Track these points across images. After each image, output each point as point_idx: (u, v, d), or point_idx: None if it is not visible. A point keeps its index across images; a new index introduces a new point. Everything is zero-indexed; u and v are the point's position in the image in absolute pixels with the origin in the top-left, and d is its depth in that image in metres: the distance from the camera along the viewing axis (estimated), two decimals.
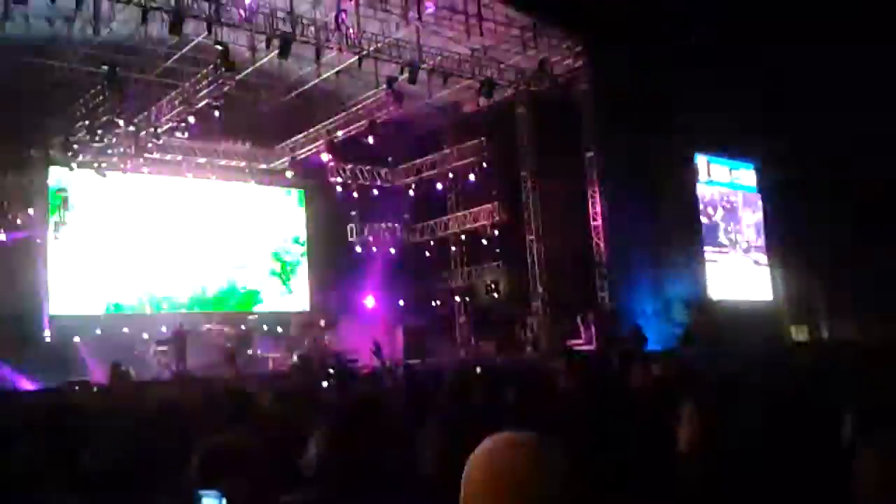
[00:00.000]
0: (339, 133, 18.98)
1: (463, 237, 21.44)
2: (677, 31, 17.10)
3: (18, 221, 16.24)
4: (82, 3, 12.47)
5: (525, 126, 19.54)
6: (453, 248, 21.96)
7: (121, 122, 15.99)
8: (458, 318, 21.99)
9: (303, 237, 21.57)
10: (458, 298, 21.95)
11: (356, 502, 2.18)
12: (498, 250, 20.52)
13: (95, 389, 11.51)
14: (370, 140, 18.50)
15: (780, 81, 18.82)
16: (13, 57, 14.98)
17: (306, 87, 18.08)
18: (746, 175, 22.34)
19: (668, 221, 19.39)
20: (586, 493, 1.46)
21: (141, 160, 17.21)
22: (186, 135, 17.00)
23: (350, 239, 21.50)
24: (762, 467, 2.96)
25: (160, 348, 16.35)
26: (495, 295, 20.99)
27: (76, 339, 16.24)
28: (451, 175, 21.13)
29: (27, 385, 13.46)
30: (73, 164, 16.52)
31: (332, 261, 21.09)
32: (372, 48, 15.65)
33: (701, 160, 20.93)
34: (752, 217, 22.36)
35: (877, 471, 1.69)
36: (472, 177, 20.34)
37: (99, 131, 15.71)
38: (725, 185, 21.75)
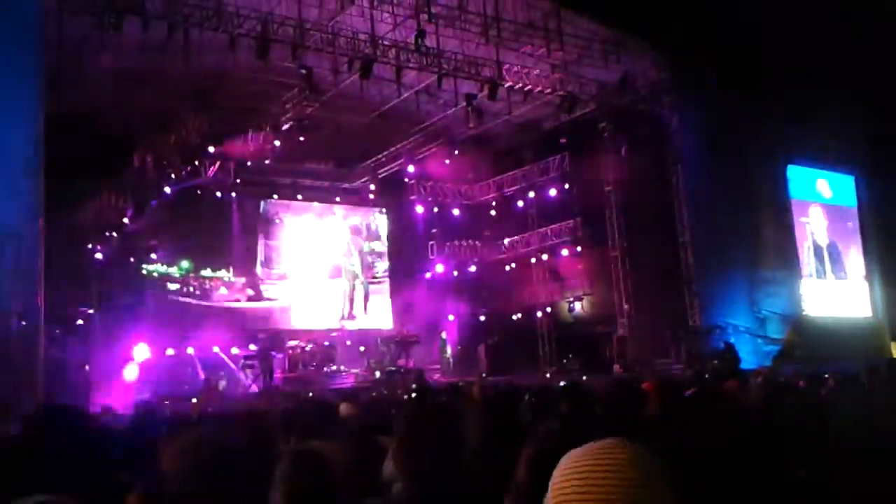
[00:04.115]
0: (420, 151, 19.18)
1: (545, 254, 21.23)
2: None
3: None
4: (174, 31, 13.00)
5: (608, 141, 19.22)
6: (535, 265, 21.76)
7: (211, 149, 16.61)
8: (540, 336, 21.73)
9: (385, 255, 21.80)
10: (540, 315, 21.71)
11: None
12: (580, 267, 20.23)
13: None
14: (450, 158, 18.63)
15: (879, 91, 17.97)
16: (107, 85, 15.72)
17: (387, 107, 18.32)
18: (844, 188, 21.32)
19: (762, 236, 18.65)
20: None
21: (230, 182, 17.84)
22: (272, 158, 17.50)
23: (431, 256, 21.62)
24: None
25: (248, 363, 16.79)
26: (578, 312, 20.68)
27: (169, 353, 16.86)
28: (532, 192, 21.00)
29: None
30: (167, 188, 17.20)
31: (414, 278, 21.23)
32: (451, 66, 15.73)
33: (796, 172, 20.07)
34: (850, 231, 21.30)
35: None
36: (553, 192, 20.17)
37: (190, 155, 16.38)
38: (822, 198, 20.80)
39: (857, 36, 17.05)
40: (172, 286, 18.24)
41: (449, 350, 20.71)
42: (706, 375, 10.76)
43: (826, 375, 7.66)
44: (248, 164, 17.80)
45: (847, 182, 21.25)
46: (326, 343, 18.51)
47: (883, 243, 20.91)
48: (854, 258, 20.99)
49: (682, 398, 5.31)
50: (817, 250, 20.24)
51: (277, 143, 16.51)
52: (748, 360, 15.37)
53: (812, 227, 20.29)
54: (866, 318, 20.52)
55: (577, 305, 20.68)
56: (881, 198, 20.45)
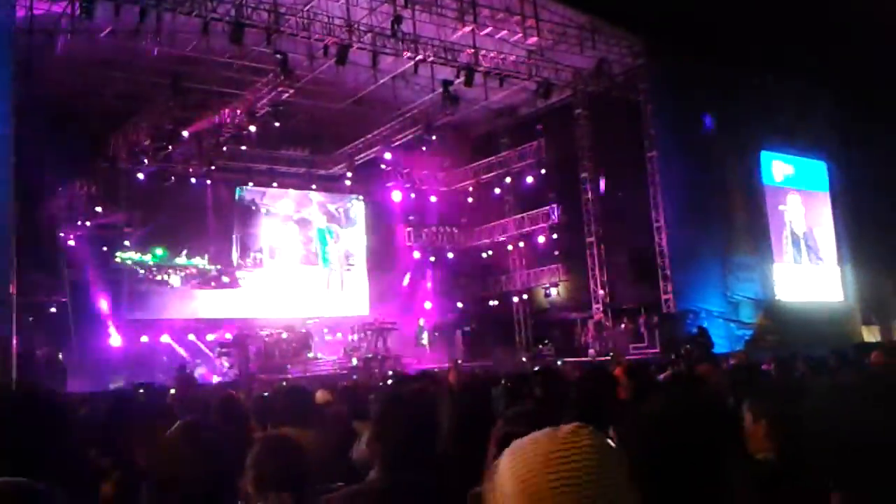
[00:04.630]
0: (397, 138, 19.13)
1: (521, 241, 21.32)
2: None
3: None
4: (146, 16, 12.82)
5: (583, 127, 19.29)
6: (511, 251, 21.84)
7: (185, 133, 16.45)
8: (516, 322, 21.85)
9: (362, 241, 21.74)
10: (516, 301, 21.83)
11: (400, 491, 2.14)
12: (556, 253, 20.35)
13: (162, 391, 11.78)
14: (427, 145, 18.61)
15: (851, 78, 18.19)
16: (79, 70, 15.50)
17: (363, 93, 18.24)
18: (816, 174, 21.57)
19: (735, 222, 18.86)
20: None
21: (204, 168, 17.71)
22: (247, 144, 17.39)
23: (408, 243, 21.62)
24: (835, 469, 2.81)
25: (223, 351, 16.75)
26: (554, 298, 20.82)
27: (143, 340, 16.76)
28: (508, 178, 21.04)
29: None
30: (140, 174, 17.03)
31: (391, 265, 21.23)
32: (427, 52, 15.68)
33: (769, 158, 20.28)
34: (822, 216, 21.57)
35: None
36: (529, 179, 20.23)
37: (164, 141, 16.22)
38: (794, 183, 21.03)
39: (827, 23, 17.24)
40: (147, 274, 18.08)
41: (426, 337, 20.76)
42: (679, 359, 10.89)
43: (796, 360, 7.79)
44: (224, 149, 17.66)
45: (819, 168, 21.50)
46: (303, 330, 18.46)
47: (854, 229, 21.20)
48: (827, 244, 21.28)
49: (653, 383, 5.39)
50: (794, 237, 20.49)
51: (253, 128, 16.36)
52: (721, 345, 15.59)
53: (790, 214, 20.51)
54: (838, 302, 20.82)
55: (553, 291, 20.82)
56: (852, 183, 20.72)
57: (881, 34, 16.71)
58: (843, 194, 21.33)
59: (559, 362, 13.18)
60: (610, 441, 1.34)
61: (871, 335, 20.24)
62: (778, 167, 20.58)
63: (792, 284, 19.64)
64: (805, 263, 20.47)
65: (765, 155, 20.09)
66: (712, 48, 16.61)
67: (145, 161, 16.79)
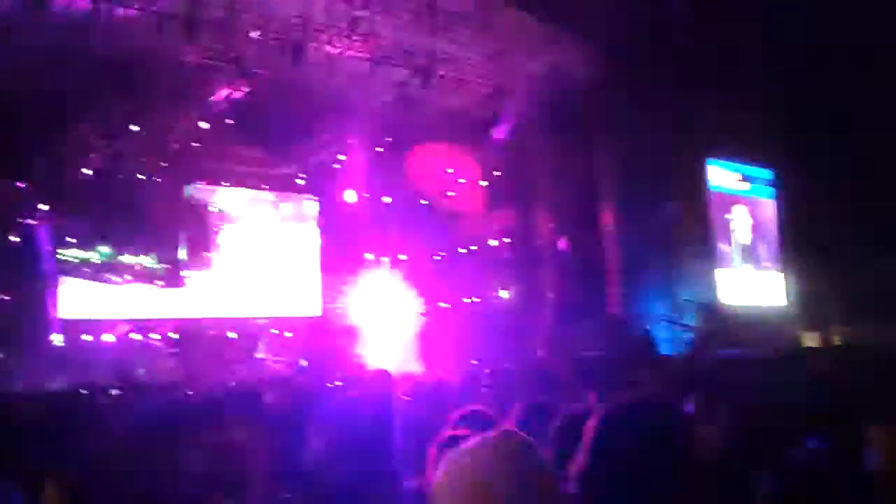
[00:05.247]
0: (352, 139, 19.07)
1: (475, 244, 21.38)
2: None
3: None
4: (98, 10, 12.59)
5: (537, 132, 19.49)
6: (465, 254, 21.91)
7: (133, 129, 16.15)
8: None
9: (317, 242, 21.58)
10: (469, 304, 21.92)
11: (350, 494, 2.17)
12: (509, 256, 20.50)
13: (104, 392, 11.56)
14: (383, 146, 18.61)
15: (796, 84, 18.73)
16: (28, 65, 15.11)
17: (319, 93, 18.13)
18: (762, 180, 22.19)
19: (681, 226, 19.30)
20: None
21: (154, 166, 17.39)
22: (198, 142, 17.14)
23: (363, 245, 21.53)
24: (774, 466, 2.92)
25: (169, 352, 16.48)
26: (505, 300, 20.98)
27: (85, 339, 16.39)
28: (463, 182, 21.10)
29: None
30: (87, 170, 16.65)
31: (345, 267, 21.11)
32: (384, 53, 15.69)
33: (714, 165, 20.81)
34: (766, 223, 22.20)
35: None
36: (484, 183, 20.35)
37: (112, 137, 15.90)
38: (740, 190, 21.60)
39: (773, 31, 17.74)
40: (91, 272, 17.67)
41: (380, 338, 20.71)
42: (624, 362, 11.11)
43: (738, 361, 8.02)
44: (174, 147, 17.38)
45: (764, 176, 22.12)
46: (252, 330, 18.27)
47: (797, 235, 21.83)
48: (770, 250, 21.89)
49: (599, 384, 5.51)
50: (738, 243, 21.03)
51: (205, 126, 16.16)
52: (665, 347, 15.97)
53: (735, 220, 21.05)
54: (780, 307, 21.43)
55: (505, 294, 20.98)
56: (797, 191, 21.33)
57: (830, 46, 17.30)
58: (787, 202, 21.97)
59: (506, 364, 13.26)
60: (534, 445, 1.41)
61: (811, 340, 20.85)
62: (724, 175, 21.12)
63: (735, 289, 20.17)
64: (748, 269, 21.02)
65: (711, 162, 20.61)
66: (667, 57, 16.95)
67: (92, 157, 16.43)
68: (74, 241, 17.28)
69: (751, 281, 20.91)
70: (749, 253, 21.26)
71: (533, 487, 1.34)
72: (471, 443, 1.41)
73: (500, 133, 19.25)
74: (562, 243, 19.09)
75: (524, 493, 1.32)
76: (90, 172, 16.73)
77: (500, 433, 1.42)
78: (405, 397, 5.42)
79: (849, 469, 2.70)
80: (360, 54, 15.43)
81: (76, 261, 17.43)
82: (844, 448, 2.88)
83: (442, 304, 22.05)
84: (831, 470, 2.69)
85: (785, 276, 21.84)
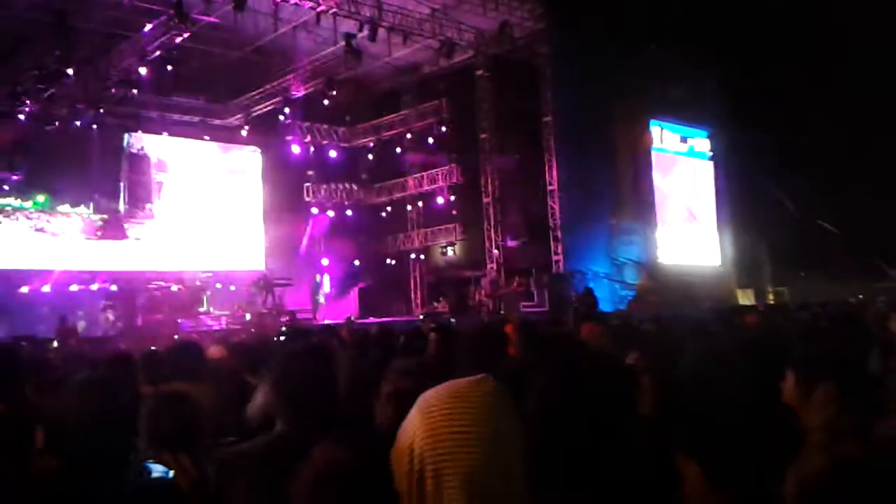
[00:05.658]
0: (296, 90, 18.70)
1: (420, 199, 21.41)
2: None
3: None
4: None
5: (484, 89, 19.46)
6: (410, 210, 21.93)
7: (70, 72, 15.49)
8: (413, 280, 22.07)
9: (259, 195, 21.26)
10: (413, 258, 22.02)
11: (311, 440, 2.21)
12: (454, 212, 20.58)
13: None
14: (328, 99, 18.31)
15: (733, 48, 19.06)
16: None
17: (263, 42, 17.70)
18: (700, 143, 22.67)
19: (622, 187, 19.65)
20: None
21: (91, 112, 16.77)
22: (137, 89, 16.56)
23: (306, 198, 21.33)
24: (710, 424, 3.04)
25: (108, 304, 16.15)
26: (451, 257, 21.13)
27: (23, 291, 15.98)
28: (409, 136, 21.01)
29: None
30: (21, 116, 15.98)
31: (288, 220, 20.90)
32: (330, 4, 15.35)
33: (655, 127, 21.15)
34: (704, 184, 22.74)
35: None
36: (430, 139, 20.28)
37: (47, 82, 15.24)
38: (679, 151, 22.05)
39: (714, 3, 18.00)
40: (27, 221, 17.14)
41: (322, 293, 20.70)
42: (565, 318, 11.37)
43: (675, 319, 8.26)
44: (112, 93, 16.76)
45: (702, 136, 22.60)
46: (196, 283, 18.03)
47: (733, 196, 22.45)
48: (708, 210, 22.48)
49: (542, 340, 5.63)
50: (677, 203, 21.52)
51: (144, 71, 15.57)
52: (606, 304, 16.36)
53: (674, 181, 21.50)
54: (716, 266, 22.10)
55: (450, 251, 21.11)
56: (733, 152, 21.87)
57: (768, 8, 17.63)
58: (724, 163, 22.54)
59: (452, 320, 13.44)
60: (505, 389, 1.49)
61: (745, 298, 21.60)
62: (665, 135, 21.50)
63: (673, 248, 20.71)
64: (686, 228, 21.58)
65: (653, 123, 20.94)
66: (612, 18, 17.02)
67: (27, 102, 15.76)
68: (8, 189, 16.71)
69: (689, 240, 21.47)
70: (687, 212, 21.79)
71: (511, 429, 1.43)
72: (447, 385, 1.47)
73: None
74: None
75: (502, 433, 1.41)
76: (22, 118, 16.06)
77: (477, 378, 1.49)
78: (351, 347, 5.47)
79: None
80: (304, 3, 15.06)
81: (10, 210, 16.88)
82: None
83: (390, 260, 22.14)
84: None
85: (720, 237, 22.49)
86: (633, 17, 17.33)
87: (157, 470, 2.27)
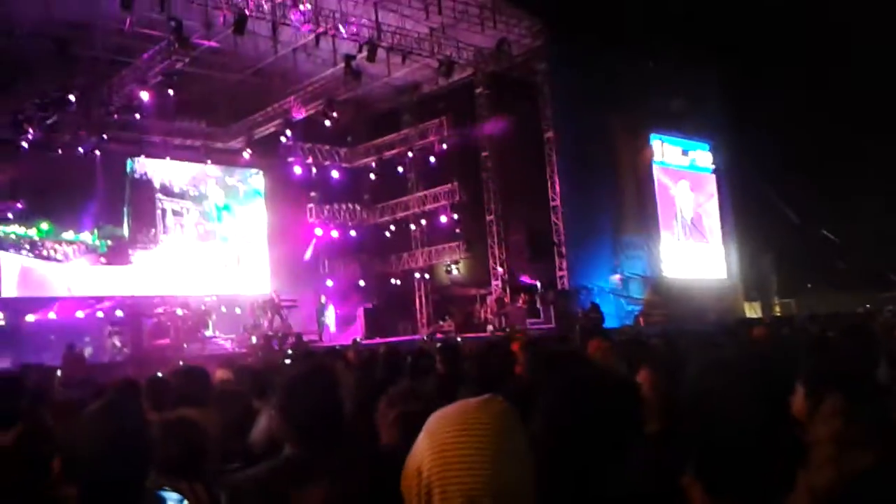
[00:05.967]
0: (297, 112, 18.78)
1: (423, 218, 21.43)
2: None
3: None
4: None
5: (484, 106, 19.55)
6: (413, 229, 21.94)
7: (72, 99, 15.58)
8: (418, 299, 22.04)
9: (262, 218, 21.31)
10: (418, 277, 21.99)
11: (321, 462, 2.19)
12: (457, 231, 20.58)
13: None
14: (329, 120, 18.39)
15: (734, 61, 19.14)
16: None
17: (263, 64, 17.80)
18: (702, 156, 22.65)
19: (626, 201, 19.63)
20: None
21: (94, 139, 16.86)
22: (139, 114, 16.67)
23: (310, 220, 21.37)
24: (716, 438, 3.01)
25: (114, 330, 16.15)
26: (455, 275, 21.10)
27: (29, 319, 15.99)
28: (410, 155, 21.07)
29: None
30: (24, 143, 16.06)
31: (292, 241, 20.92)
32: (329, 25, 15.44)
33: (656, 141, 21.15)
34: (709, 197, 22.69)
35: None
36: (431, 157, 20.32)
37: (49, 110, 15.33)
38: (681, 165, 22.03)
39: (719, 12, 18.08)
40: (32, 249, 17.18)
41: (327, 314, 20.66)
42: (571, 335, 11.32)
43: (682, 334, 8.22)
44: (114, 119, 16.86)
45: (703, 149, 22.59)
46: (202, 307, 18.02)
47: (738, 209, 22.40)
48: (713, 223, 22.42)
49: (548, 358, 5.61)
50: (681, 217, 21.47)
51: (145, 95, 15.63)
52: (612, 320, 16.28)
53: (678, 194, 21.46)
54: (722, 279, 21.99)
55: (455, 269, 21.09)
56: (737, 165, 21.86)
57: (771, 24, 17.71)
58: (728, 176, 22.50)
59: (459, 338, 13.40)
60: (513, 409, 1.48)
61: (752, 311, 21.52)
62: (666, 149, 21.51)
63: (678, 262, 20.64)
64: (691, 242, 21.52)
65: (654, 137, 20.96)
66: (610, 32, 17.11)
67: (29, 130, 15.85)
68: (11, 217, 16.76)
69: (694, 254, 21.41)
70: (691, 225, 21.75)
71: (519, 449, 1.42)
72: (455, 406, 1.47)
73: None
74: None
75: (510, 453, 1.40)
76: (26, 146, 16.13)
77: (485, 398, 1.48)
78: (358, 369, 5.45)
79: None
80: (303, 26, 15.14)
81: (15, 238, 16.93)
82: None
83: (394, 280, 22.12)
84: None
85: (726, 250, 22.41)
86: (630, 29, 17.42)
87: (172, 498, 2.25)
